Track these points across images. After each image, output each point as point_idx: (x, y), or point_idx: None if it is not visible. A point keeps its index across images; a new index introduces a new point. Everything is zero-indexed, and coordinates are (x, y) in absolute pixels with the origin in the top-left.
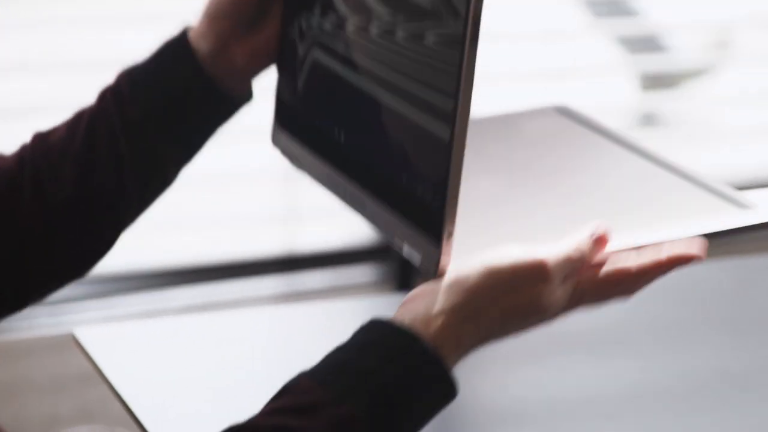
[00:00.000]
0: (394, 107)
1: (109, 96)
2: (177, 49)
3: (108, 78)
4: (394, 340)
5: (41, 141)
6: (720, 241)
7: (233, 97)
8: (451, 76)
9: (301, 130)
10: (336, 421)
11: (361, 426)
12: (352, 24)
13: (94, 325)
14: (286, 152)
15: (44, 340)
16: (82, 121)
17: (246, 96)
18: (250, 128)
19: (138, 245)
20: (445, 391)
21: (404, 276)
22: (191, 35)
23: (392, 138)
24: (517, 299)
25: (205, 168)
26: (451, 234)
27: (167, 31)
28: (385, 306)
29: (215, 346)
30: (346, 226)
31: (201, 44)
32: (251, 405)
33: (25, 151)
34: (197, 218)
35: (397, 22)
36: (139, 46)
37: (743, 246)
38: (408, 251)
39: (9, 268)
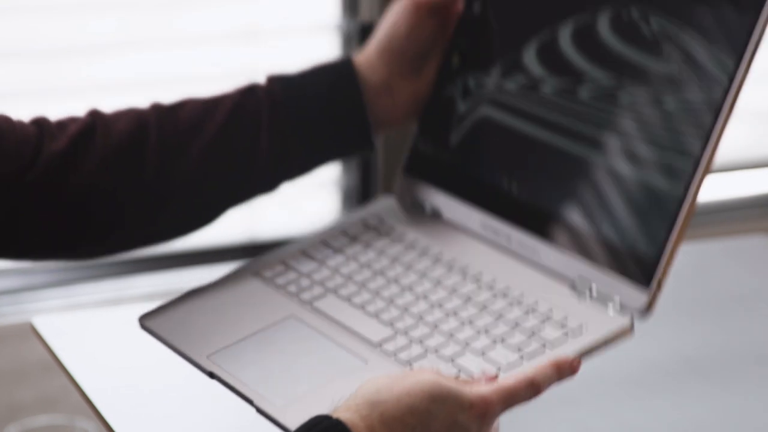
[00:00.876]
0: (608, 165)
1: (261, 94)
2: (343, 73)
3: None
4: (307, 423)
5: (169, 113)
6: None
7: (370, 139)
8: (697, 139)
9: (447, 179)
10: None
11: None
12: (551, 86)
13: (52, 313)
14: (418, 198)
15: (4, 329)
16: (222, 106)
17: (371, 146)
18: None
19: None
20: None
21: None
22: (358, 63)
23: (594, 190)
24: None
25: None
26: (661, 283)
27: (130, 19)
28: None
29: None
30: (307, 213)
31: (368, 75)
32: (211, 394)
33: (147, 119)
34: None
35: (622, 86)
36: (103, 31)
37: (698, 231)
38: (599, 292)
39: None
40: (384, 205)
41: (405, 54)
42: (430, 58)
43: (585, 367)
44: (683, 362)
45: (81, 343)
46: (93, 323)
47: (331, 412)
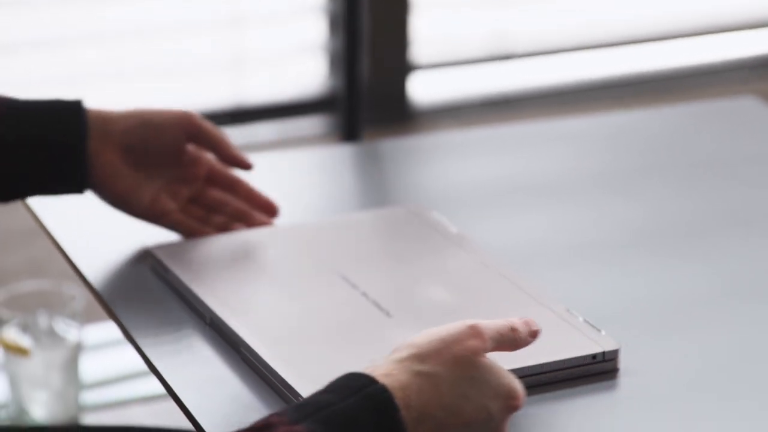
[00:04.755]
0: None
1: None
2: (72, 115)
3: None
4: (347, 381)
5: None
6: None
7: (81, 188)
8: None
9: None
10: None
11: None
12: None
13: None
14: None
15: None
16: None
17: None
18: None
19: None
20: (395, 427)
21: (351, 128)
22: (103, 116)
23: None
24: (452, 351)
25: (148, 17)
26: None
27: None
28: (332, 158)
29: None
30: (293, 76)
31: (104, 131)
32: None
33: None
34: (142, 69)
35: None
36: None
37: (688, 93)
38: None
39: None
40: None
41: (144, 146)
42: (156, 177)
43: (570, 228)
44: (669, 225)
45: (66, 209)
46: None
47: (371, 371)
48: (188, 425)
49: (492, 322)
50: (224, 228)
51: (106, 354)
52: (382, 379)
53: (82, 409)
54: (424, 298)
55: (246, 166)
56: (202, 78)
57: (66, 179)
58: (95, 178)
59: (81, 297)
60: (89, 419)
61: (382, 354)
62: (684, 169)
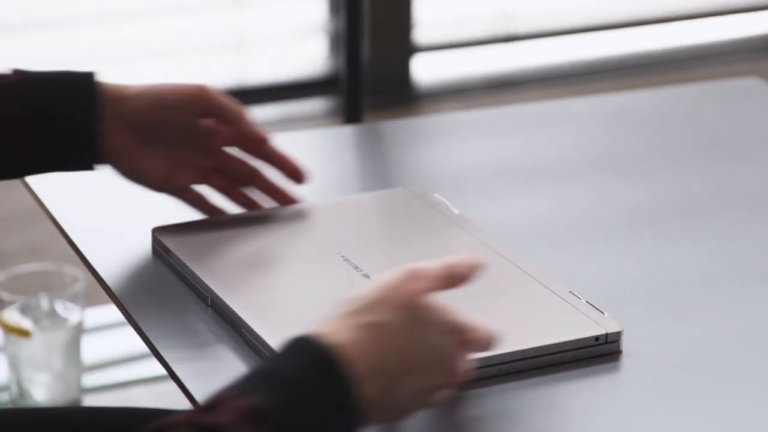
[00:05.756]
0: None
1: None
2: (84, 89)
3: None
4: (294, 345)
5: None
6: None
7: (91, 165)
8: None
9: None
10: (244, 411)
11: (269, 414)
12: None
13: None
14: None
15: None
16: None
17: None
18: None
19: None
20: (340, 384)
21: (353, 109)
22: (115, 91)
23: None
24: (394, 297)
25: None
26: None
27: None
28: (334, 138)
29: None
30: (295, 57)
31: (116, 110)
32: None
33: None
34: (144, 50)
35: None
36: None
37: (690, 74)
38: None
39: None
40: None
41: (156, 126)
42: (169, 152)
43: (572, 209)
44: (671, 206)
45: (67, 191)
46: (81, 172)
47: (317, 331)
48: (189, 407)
49: (430, 262)
50: (248, 206)
51: (107, 336)
52: (328, 337)
53: (83, 390)
54: None
55: (261, 141)
56: (204, 59)
57: (75, 157)
58: (108, 157)
59: (82, 279)
60: (90, 401)
61: None
62: (686, 150)
